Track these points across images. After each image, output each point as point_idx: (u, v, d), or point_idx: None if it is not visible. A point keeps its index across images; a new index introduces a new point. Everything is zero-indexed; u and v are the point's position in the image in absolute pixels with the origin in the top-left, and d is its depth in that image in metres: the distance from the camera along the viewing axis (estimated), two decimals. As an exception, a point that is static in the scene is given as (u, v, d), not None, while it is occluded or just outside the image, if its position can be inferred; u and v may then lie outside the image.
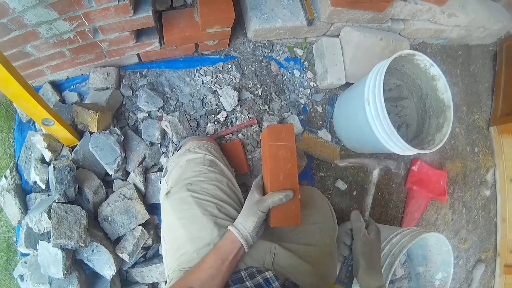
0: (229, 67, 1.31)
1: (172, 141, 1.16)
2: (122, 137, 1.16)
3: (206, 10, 1.14)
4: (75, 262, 1.14)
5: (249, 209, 0.73)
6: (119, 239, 1.17)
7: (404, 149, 1.09)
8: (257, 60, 1.35)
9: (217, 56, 1.32)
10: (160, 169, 1.22)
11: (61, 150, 1.22)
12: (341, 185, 1.44)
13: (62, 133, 1.12)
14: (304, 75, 1.41)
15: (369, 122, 1.12)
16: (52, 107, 1.19)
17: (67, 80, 1.26)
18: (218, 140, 1.24)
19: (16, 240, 1.31)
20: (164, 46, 1.20)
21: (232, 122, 1.27)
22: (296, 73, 1.40)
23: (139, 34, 1.14)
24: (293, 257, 0.79)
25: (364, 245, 0.78)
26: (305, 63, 1.43)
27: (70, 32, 1.00)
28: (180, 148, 1.10)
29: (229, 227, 0.73)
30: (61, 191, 1.07)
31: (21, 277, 1.26)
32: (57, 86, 1.27)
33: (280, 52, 1.40)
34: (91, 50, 1.14)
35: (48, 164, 1.21)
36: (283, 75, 1.39)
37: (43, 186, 1.24)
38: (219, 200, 0.81)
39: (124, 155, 1.16)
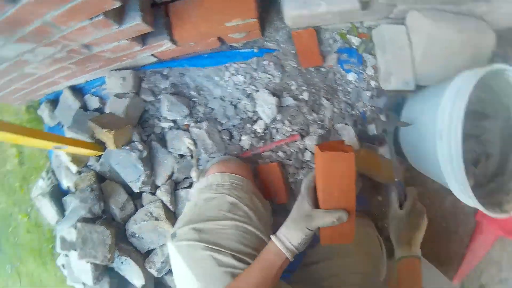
0: (266, 63, 1.06)
1: (196, 167, 1.02)
2: (145, 152, 1.05)
3: (215, 0, 0.90)
4: (107, 268, 1.16)
5: (296, 223, 0.66)
6: (150, 251, 1.15)
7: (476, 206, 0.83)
8: (301, 53, 1.07)
9: (249, 50, 1.06)
10: (192, 184, 1.11)
11: (88, 161, 1.16)
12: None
13: (81, 151, 1.05)
14: (363, 72, 1.10)
15: (438, 159, 0.85)
16: (73, 116, 1.12)
17: (87, 83, 1.15)
18: (255, 156, 1.06)
19: (58, 233, 1.37)
20: (179, 44, 0.99)
21: (271, 134, 1.06)
22: (352, 69, 1.09)
23: (144, 36, 0.94)
24: None
25: (392, 219, 0.81)
26: (364, 54, 1.10)
27: (60, 53, 0.88)
28: (205, 172, 0.97)
29: (272, 237, 0.67)
30: (86, 208, 1.06)
31: (63, 266, 1.35)
32: (78, 90, 1.16)
33: (331, 42, 1.09)
34: (96, 60, 0.99)
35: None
36: (336, 72, 1.09)
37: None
38: (236, 252, 0.72)
39: (148, 171, 1.06)
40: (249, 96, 1.05)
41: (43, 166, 1.31)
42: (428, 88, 1.04)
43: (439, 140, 0.83)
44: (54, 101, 1.22)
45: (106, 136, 0.99)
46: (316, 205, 0.67)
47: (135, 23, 0.81)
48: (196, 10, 0.94)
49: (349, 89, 1.10)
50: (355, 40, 1.09)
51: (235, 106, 1.06)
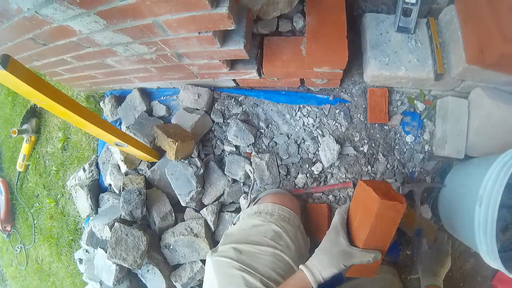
0: (337, 112, 1.11)
1: (250, 193, 1.04)
2: (202, 170, 1.07)
3: (313, 47, 0.93)
4: (129, 273, 1.15)
5: (332, 258, 0.68)
6: (179, 265, 1.15)
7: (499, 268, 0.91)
8: (370, 108, 1.12)
9: (325, 96, 1.11)
10: (237, 210, 1.12)
11: (139, 164, 1.17)
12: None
13: (138, 153, 1.06)
14: (421, 136, 1.16)
15: (472, 223, 0.92)
16: (136, 117, 1.13)
17: (158, 90, 1.17)
18: (306, 195, 1.09)
19: (84, 227, 1.35)
20: (263, 77, 1.03)
21: (326, 178, 1.09)
22: (412, 131, 1.15)
23: (234, 61, 0.98)
24: None
25: (422, 255, 0.97)
26: (425, 120, 1.16)
27: (150, 54, 0.91)
28: (257, 201, 1.00)
29: (303, 268, 0.69)
30: (127, 210, 1.06)
31: (80, 260, 1.32)
32: (147, 94, 1.18)
33: (399, 103, 1.15)
34: (179, 70, 1.02)
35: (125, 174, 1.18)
36: (397, 132, 1.15)
37: (117, 191, 1.22)
38: (265, 277, 0.74)
39: (200, 188, 1.08)
40: (313, 138, 1.09)
41: (87, 158, 1.30)
42: (474, 159, 1.11)
43: (478, 206, 0.91)
44: (118, 98, 1.23)
45: (169, 146, 1.00)
46: (349, 239, 0.71)
47: (238, 48, 0.84)
48: (289, 49, 0.98)
49: (404, 149, 1.15)
50: (420, 106, 1.15)
51: (299, 145, 1.09)
